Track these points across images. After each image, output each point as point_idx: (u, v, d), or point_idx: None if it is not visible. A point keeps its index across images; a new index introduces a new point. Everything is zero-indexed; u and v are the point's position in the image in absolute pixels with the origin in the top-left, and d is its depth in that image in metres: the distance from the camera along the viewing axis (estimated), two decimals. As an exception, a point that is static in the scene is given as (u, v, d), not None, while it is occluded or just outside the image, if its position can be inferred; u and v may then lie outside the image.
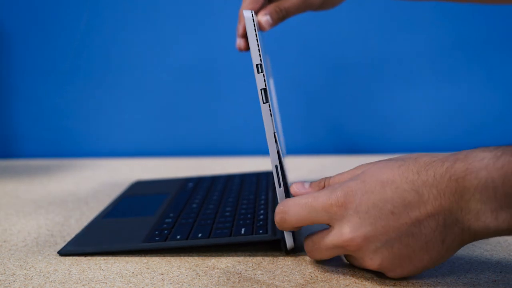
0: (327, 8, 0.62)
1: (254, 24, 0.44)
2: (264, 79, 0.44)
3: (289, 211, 0.44)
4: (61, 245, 0.54)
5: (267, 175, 0.73)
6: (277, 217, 0.45)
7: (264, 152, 1.04)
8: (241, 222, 0.53)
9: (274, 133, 0.45)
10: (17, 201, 0.73)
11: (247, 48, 0.58)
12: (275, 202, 0.58)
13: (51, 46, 1.04)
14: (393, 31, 0.98)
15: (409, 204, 0.39)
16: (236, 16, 1.00)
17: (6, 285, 0.44)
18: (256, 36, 0.44)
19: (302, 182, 0.48)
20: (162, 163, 0.99)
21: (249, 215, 0.55)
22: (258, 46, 0.44)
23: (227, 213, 0.57)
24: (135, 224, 0.58)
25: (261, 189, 0.65)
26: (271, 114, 0.45)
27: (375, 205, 0.40)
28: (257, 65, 0.44)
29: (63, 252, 0.51)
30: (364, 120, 1.02)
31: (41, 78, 1.05)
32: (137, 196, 0.70)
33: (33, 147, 1.08)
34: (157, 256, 0.50)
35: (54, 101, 1.06)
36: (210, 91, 1.04)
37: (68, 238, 0.56)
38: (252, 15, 0.44)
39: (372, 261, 0.41)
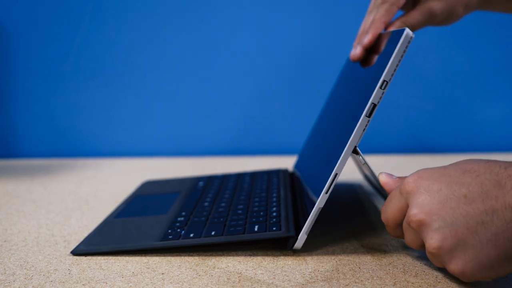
0: (448, 24, 0.61)
1: (408, 46, 0.45)
2: (381, 96, 0.45)
3: (384, 207, 0.45)
4: (61, 244, 0.54)
5: (278, 172, 0.73)
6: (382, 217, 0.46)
7: (263, 151, 1.05)
8: (254, 219, 0.53)
9: (356, 146, 0.47)
10: (17, 201, 0.73)
11: (361, 59, 0.58)
12: (287, 200, 0.58)
13: (51, 46, 1.04)
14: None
15: (486, 192, 0.37)
16: (235, 17, 1.01)
17: (6, 284, 0.44)
18: (402, 57, 0.45)
19: (391, 174, 0.48)
20: (162, 162, 0.99)
21: (261, 213, 0.55)
22: (397, 66, 0.45)
23: (240, 211, 0.57)
24: (148, 223, 0.57)
25: (273, 187, 0.65)
26: (364, 129, 0.46)
27: (449, 187, 0.39)
28: (384, 81, 0.45)
29: (76, 252, 0.51)
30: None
31: (41, 78, 1.05)
32: (148, 196, 0.70)
33: (33, 147, 1.08)
34: (157, 255, 0.50)
35: (54, 101, 1.06)
36: (210, 91, 1.04)
37: (69, 238, 0.56)
38: (412, 36, 0.45)
39: (432, 241, 0.38)
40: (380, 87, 0.45)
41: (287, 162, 0.88)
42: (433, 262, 0.41)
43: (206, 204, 0.61)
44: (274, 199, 0.59)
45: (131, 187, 0.78)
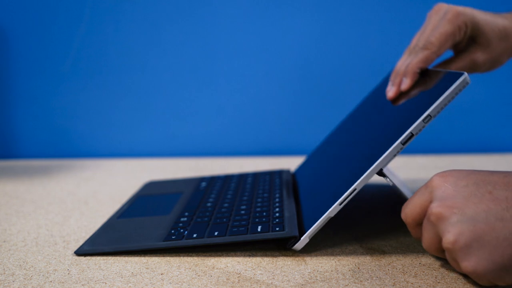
0: (492, 69, 0.61)
1: (461, 90, 0.45)
2: (421, 129, 0.46)
3: (406, 203, 0.45)
4: (60, 245, 0.54)
5: (280, 173, 0.73)
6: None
7: (262, 152, 1.05)
8: (257, 220, 0.53)
9: (382, 168, 0.47)
10: (16, 201, 0.73)
11: (393, 98, 0.58)
12: (290, 200, 0.59)
13: (51, 46, 1.04)
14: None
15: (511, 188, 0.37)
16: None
17: (5, 285, 0.44)
18: (453, 98, 0.45)
19: None
20: (161, 163, 0.99)
21: (264, 213, 0.55)
22: (445, 106, 0.45)
23: (242, 211, 0.57)
24: (151, 223, 0.58)
25: (275, 187, 0.65)
26: (395, 155, 0.47)
27: (475, 183, 0.39)
28: (429, 115, 0.45)
29: (80, 252, 0.51)
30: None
31: (41, 78, 1.05)
32: (151, 196, 0.70)
33: (32, 147, 1.08)
34: (156, 256, 0.50)
35: (54, 101, 1.06)
36: (210, 91, 1.04)
37: (68, 238, 0.56)
38: (468, 82, 0.45)
39: (449, 235, 0.38)
40: (423, 120, 0.46)
41: (286, 163, 0.88)
42: (450, 262, 0.40)
43: (209, 204, 0.62)
44: (277, 199, 0.59)
45: (130, 187, 0.78)
